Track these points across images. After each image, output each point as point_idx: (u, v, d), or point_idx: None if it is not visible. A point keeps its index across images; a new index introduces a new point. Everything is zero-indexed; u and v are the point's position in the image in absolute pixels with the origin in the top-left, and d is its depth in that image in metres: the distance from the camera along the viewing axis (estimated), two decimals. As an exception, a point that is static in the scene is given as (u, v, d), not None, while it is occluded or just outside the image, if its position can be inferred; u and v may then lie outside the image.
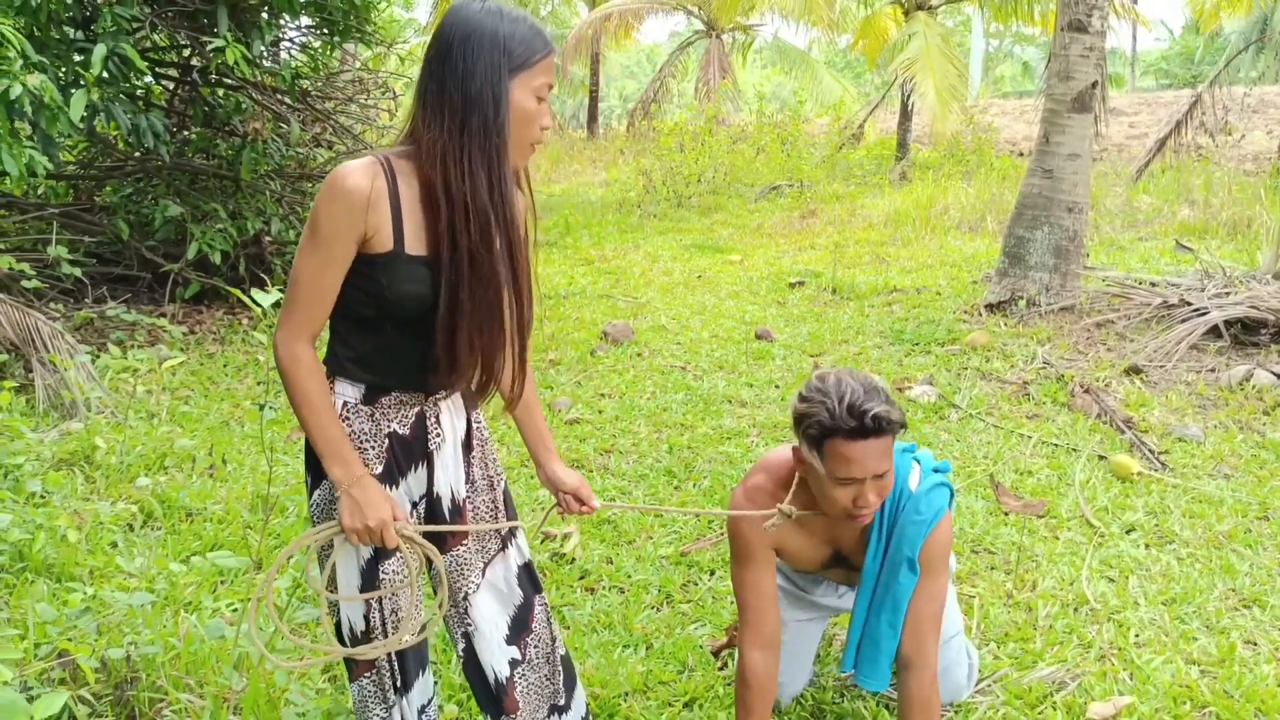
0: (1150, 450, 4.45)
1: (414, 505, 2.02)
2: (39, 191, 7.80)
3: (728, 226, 12.10)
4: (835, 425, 2.08)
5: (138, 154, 7.69)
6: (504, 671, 2.09)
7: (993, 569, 3.49)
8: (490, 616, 2.09)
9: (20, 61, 5.09)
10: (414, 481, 2.00)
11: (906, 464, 2.36)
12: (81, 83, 5.87)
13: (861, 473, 2.11)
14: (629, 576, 3.51)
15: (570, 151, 21.48)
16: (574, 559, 3.65)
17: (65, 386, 5.01)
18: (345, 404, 1.93)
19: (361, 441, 1.93)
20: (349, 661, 2.07)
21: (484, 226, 1.79)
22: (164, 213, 6.98)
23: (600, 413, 5.29)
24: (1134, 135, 18.32)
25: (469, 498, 2.07)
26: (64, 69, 5.94)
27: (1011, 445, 4.64)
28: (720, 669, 2.95)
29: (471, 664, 2.11)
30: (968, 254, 9.27)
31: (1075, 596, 3.28)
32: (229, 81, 7.50)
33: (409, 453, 1.98)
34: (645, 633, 3.15)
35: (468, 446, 2.07)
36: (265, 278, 7.48)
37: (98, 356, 5.49)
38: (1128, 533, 3.75)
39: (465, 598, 2.08)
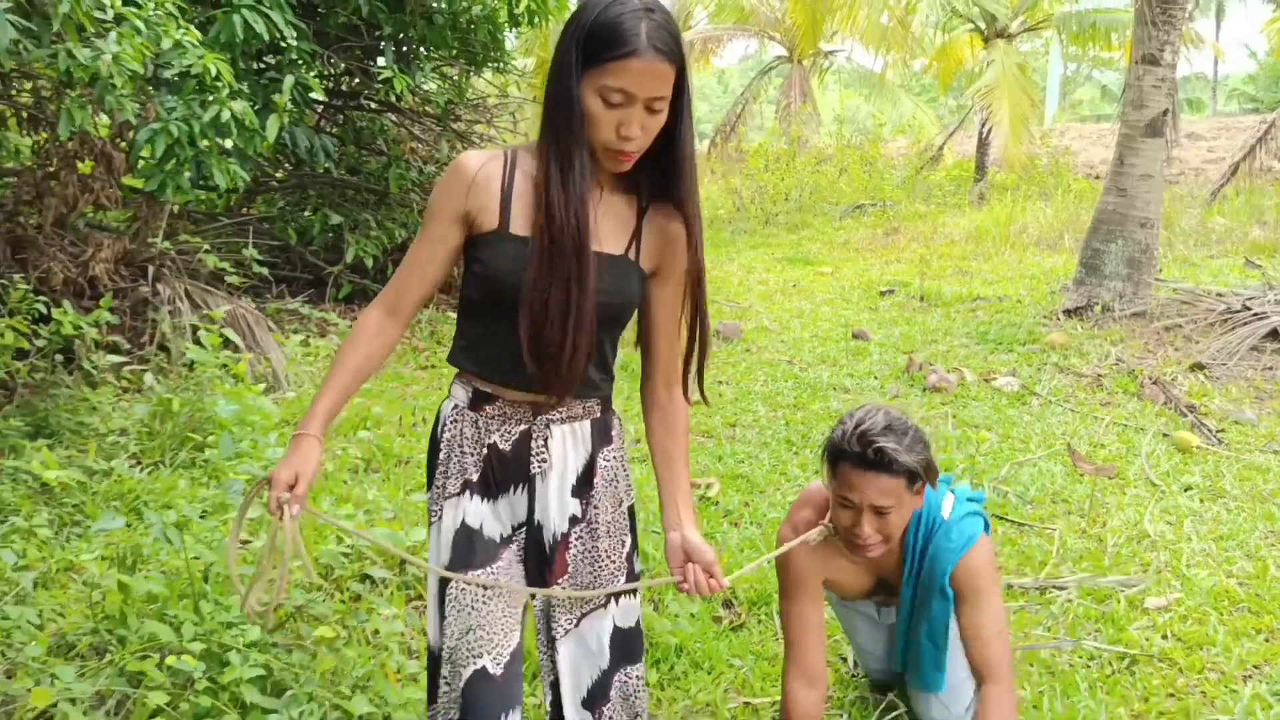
0: (1209, 429, 5.11)
1: (514, 530, 1.95)
2: (200, 203, 8.85)
3: (815, 242, 12.87)
4: (842, 448, 2.21)
5: (286, 167, 8.72)
6: None
7: (1069, 514, 4.21)
8: (572, 670, 1.98)
9: (227, 90, 6.07)
10: (516, 502, 1.93)
11: (941, 493, 2.43)
12: (271, 108, 6.85)
13: (859, 499, 2.20)
14: (764, 515, 4.28)
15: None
16: (717, 502, 4.44)
17: (271, 364, 5.95)
18: (455, 407, 1.93)
19: (464, 446, 1.91)
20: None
21: (554, 219, 1.74)
22: (324, 221, 7.95)
23: (720, 395, 6.08)
24: (1211, 160, 18.64)
25: (577, 539, 1.96)
26: (257, 96, 6.92)
27: (1086, 425, 5.33)
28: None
29: (557, 715, 1.99)
30: (1046, 268, 9.93)
31: (1138, 533, 3.99)
32: (373, 105, 8.49)
33: (507, 471, 1.91)
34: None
35: (586, 484, 1.96)
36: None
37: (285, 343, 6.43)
38: (1185, 490, 4.43)
39: (552, 643, 1.97)
